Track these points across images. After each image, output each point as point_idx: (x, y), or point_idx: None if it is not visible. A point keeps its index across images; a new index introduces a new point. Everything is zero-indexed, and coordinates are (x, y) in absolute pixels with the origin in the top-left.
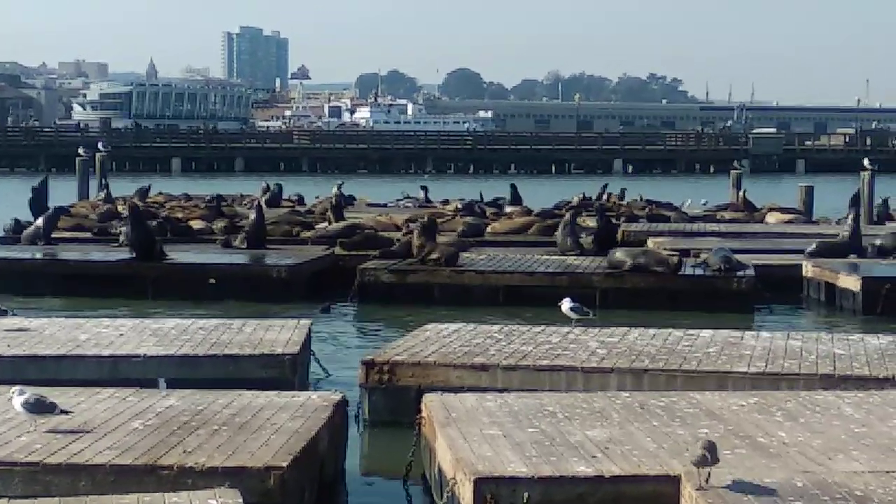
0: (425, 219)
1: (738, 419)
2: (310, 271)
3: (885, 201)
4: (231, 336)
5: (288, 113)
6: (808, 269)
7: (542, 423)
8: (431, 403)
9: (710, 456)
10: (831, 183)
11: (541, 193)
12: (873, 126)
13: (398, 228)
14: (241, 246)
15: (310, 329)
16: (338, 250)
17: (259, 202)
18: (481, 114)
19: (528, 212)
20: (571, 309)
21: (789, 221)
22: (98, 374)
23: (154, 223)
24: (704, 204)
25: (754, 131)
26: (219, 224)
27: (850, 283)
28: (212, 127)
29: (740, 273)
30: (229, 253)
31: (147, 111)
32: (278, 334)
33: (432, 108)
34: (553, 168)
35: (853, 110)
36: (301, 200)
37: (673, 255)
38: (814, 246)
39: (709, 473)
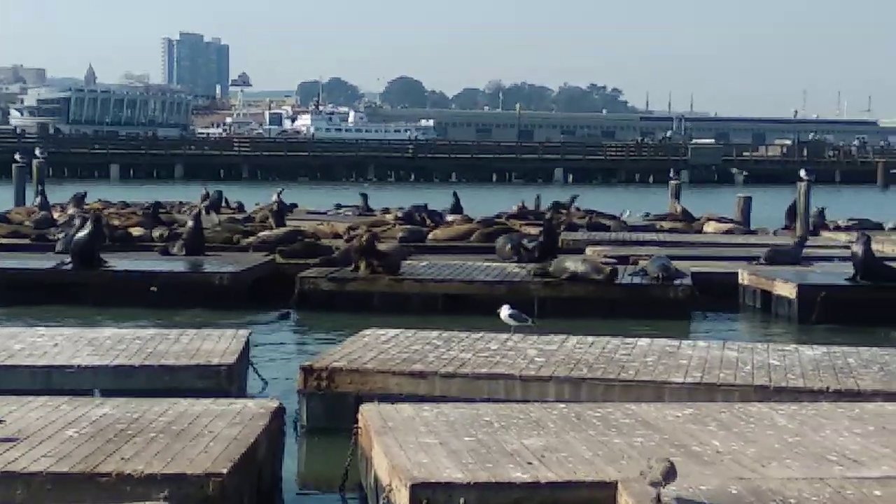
0: (364, 240)
1: (673, 429)
2: (252, 278)
3: (822, 212)
4: (168, 346)
5: (228, 120)
6: (745, 276)
7: (478, 431)
8: (368, 413)
9: (664, 481)
10: (769, 193)
11: (482, 202)
12: (810, 137)
13: (339, 236)
14: (179, 253)
15: (248, 338)
16: (278, 258)
17: (200, 209)
18: (423, 122)
19: (469, 220)
20: (510, 316)
21: (727, 231)
22: (31, 384)
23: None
24: (647, 215)
25: (693, 142)
26: (157, 231)
27: (786, 290)
28: (151, 133)
29: (677, 281)
30: (168, 260)
31: (86, 117)
32: (216, 344)
33: (374, 117)
34: (494, 177)
35: (790, 122)
36: (241, 208)
37: (606, 265)
38: (764, 253)
39: (658, 494)
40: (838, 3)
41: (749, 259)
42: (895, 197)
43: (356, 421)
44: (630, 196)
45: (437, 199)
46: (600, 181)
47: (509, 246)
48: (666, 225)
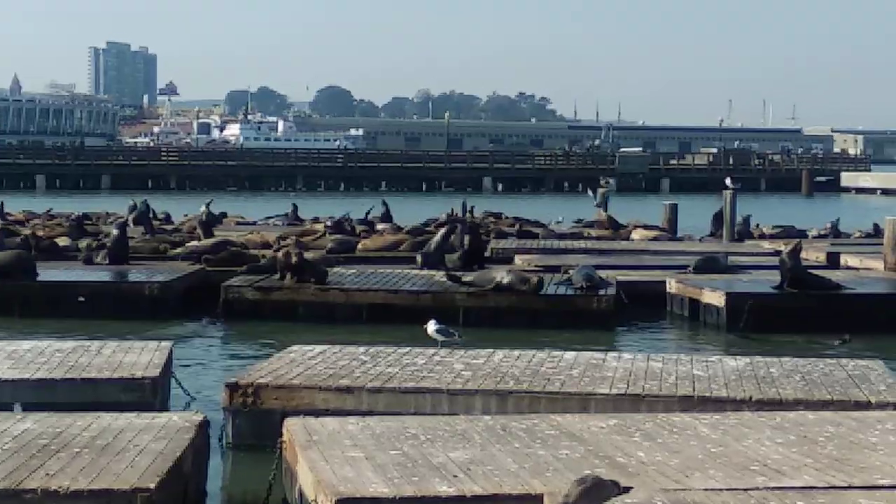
0: (294, 261)
1: (597, 440)
2: (182, 287)
3: (747, 219)
4: (90, 358)
5: (156, 129)
6: (672, 285)
7: (404, 445)
8: (293, 427)
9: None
10: (695, 201)
11: (411, 211)
12: (735, 146)
13: (269, 246)
14: (102, 262)
15: (171, 350)
16: (206, 267)
17: (125, 219)
18: (352, 131)
19: (399, 229)
20: (437, 331)
21: (654, 238)
22: None
23: (17, 240)
24: (579, 222)
25: (621, 150)
26: (83, 242)
27: (715, 298)
28: (77, 143)
29: (602, 291)
30: (93, 269)
31: (10, 127)
32: (138, 356)
33: (303, 126)
34: (423, 186)
35: (716, 130)
36: (168, 218)
37: (533, 276)
38: (693, 262)
39: None
40: (763, 12)
41: (677, 267)
42: (819, 205)
43: (281, 436)
44: (559, 204)
45: (366, 208)
46: (529, 190)
47: (435, 257)
48: (594, 233)
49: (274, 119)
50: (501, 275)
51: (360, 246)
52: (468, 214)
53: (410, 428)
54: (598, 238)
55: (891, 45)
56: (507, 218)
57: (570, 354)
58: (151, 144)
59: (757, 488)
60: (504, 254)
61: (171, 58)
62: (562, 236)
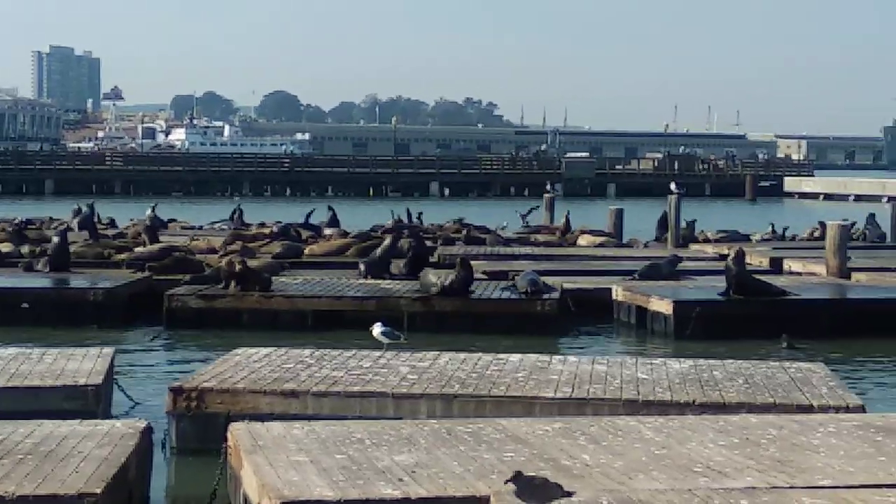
0: (237, 270)
1: (542, 443)
2: (127, 294)
3: (691, 224)
4: (31, 366)
5: (100, 134)
6: (619, 292)
7: (349, 449)
8: (238, 431)
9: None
10: (641, 206)
11: (358, 216)
12: (681, 151)
13: (215, 252)
14: (43, 269)
15: (113, 357)
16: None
17: (67, 225)
18: (298, 136)
19: (346, 234)
20: (382, 333)
21: (601, 244)
22: None
23: None
24: (526, 225)
25: (567, 156)
26: (25, 248)
27: (662, 306)
28: (20, 148)
29: (546, 296)
30: (34, 276)
31: None
32: (80, 363)
33: (249, 131)
34: (370, 191)
35: (662, 135)
36: (113, 224)
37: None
38: (639, 269)
39: None
40: (708, 19)
41: (623, 273)
42: (763, 209)
43: (226, 440)
44: (505, 209)
45: (315, 213)
46: (476, 195)
47: (378, 264)
48: (540, 238)
49: (220, 124)
50: (439, 278)
51: (307, 251)
52: (417, 219)
53: (356, 432)
54: (545, 244)
55: (833, 53)
56: (454, 223)
57: (515, 357)
58: (96, 149)
59: (699, 489)
60: (451, 260)
61: (116, 62)
62: (509, 241)
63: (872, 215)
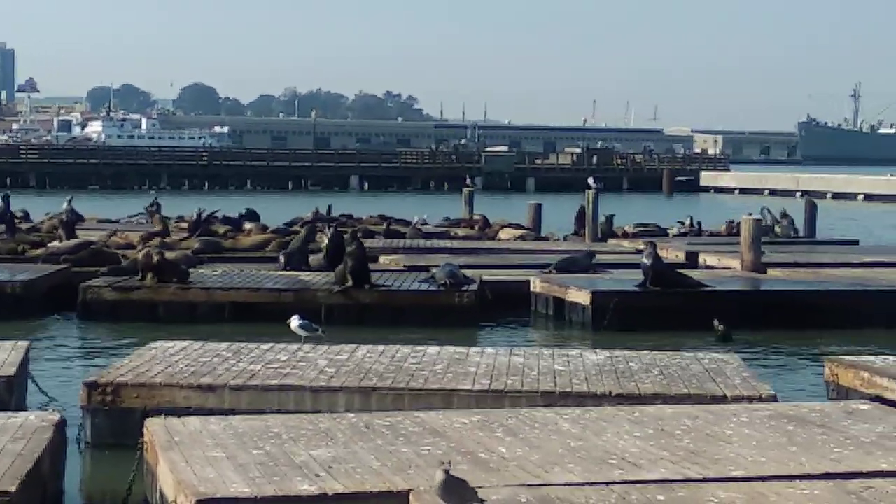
0: (154, 261)
1: (460, 436)
2: (45, 286)
3: (610, 218)
4: None
5: (15, 126)
6: (537, 284)
7: (266, 444)
8: (154, 427)
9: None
10: (560, 200)
11: (277, 210)
12: (599, 145)
13: (132, 246)
14: None
15: (28, 350)
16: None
17: None
18: (217, 129)
19: (265, 228)
20: (300, 326)
21: (521, 237)
22: None
23: None
24: (425, 220)
25: (487, 150)
26: None
27: (580, 297)
28: None
29: (464, 288)
30: None
31: None
32: None
33: (167, 124)
34: (290, 184)
35: (580, 130)
36: (27, 217)
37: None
38: (556, 261)
39: None
40: (625, 15)
41: (541, 266)
42: (680, 204)
43: (142, 436)
44: (425, 203)
45: (232, 206)
46: (396, 188)
47: (297, 257)
48: (460, 232)
49: (137, 116)
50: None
51: (226, 245)
52: (353, 222)
53: (273, 426)
54: (465, 237)
55: (749, 48)
56: (372, 217)
57: (433, 350)
58: (10, 142)
59: (616, 482)
60: (370, 253)
61: (31, 54)
62: (428, 235)
63: (783, 213)
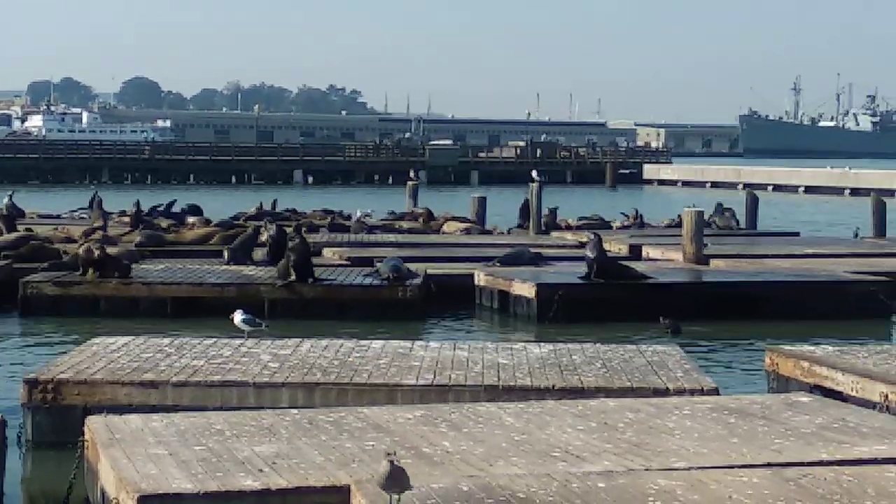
0: (95, 256)
1: (404, 431)
2: None
3: (554, 211)
4: None
5: None
6: (482, 277)
7: (209, 440)
8: (94, 425)
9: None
10: (504, 193)
11: (221, 204)
12: (543, 139)
13: (74, 241)
14: None
15: None
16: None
17: None
18: (160, 123)
19: (208, 222)
20: (243, 321)
21: (465, 230)
22: None
23: None
24: (369, 214)
25: (431, 143)
26: None
27: (525, 290)
28: None
29: (408, 282)
30: None
31: None
32: None
33: (108, 117)
34: (233, 178)
35: (524, 123)
36: None
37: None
38: (500, 255)
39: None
40: (567, 8)
41: (486, 259)
42: (623, 196)
43: (84, 433)
44: (369, 196)
45: (174, 200)
46: (340, 182)
47: (239, 252)
48: (405, 225)
49: (78, 110)
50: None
51: (171, 238)
52: (297, 217)
53: (216, 423)
54: (410, 231)
55: (691, 41)
56: (317, 211)
57: (377, 344)
58: None
59: (558, 473)
60: (315, 247)
61: None
62: (373, 229)
63: (720, 206)
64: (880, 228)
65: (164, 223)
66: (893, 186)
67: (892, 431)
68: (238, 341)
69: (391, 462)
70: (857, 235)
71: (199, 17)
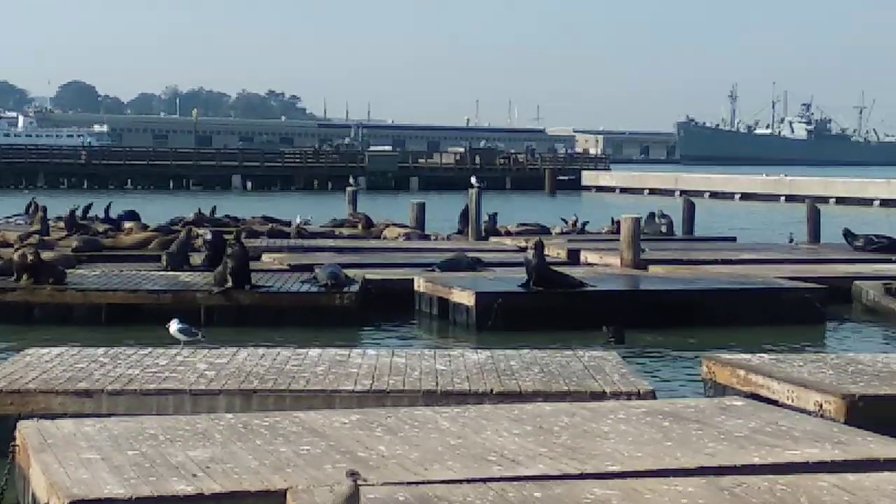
0: (29, 261)
1: (340, 435)
2: None
3: (493, 217)
4: None
5: None
6: (421, 284)
7: (143, 445)
8: (26, 430)
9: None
10: (444, 199)
11: (159, 210)
12: (482, 145)
13: (10, 245)
14: None
15: None
16: None
17: None
18: (97, 128)
19: (146, 227)
20: (179, 330)
21: (406, 236)
22: None
23: None
24: (308, 220)
25: (370, 149)
26: None
27: (464, 298)
28: None
29: (346, 289)
30: None
31: None
32: None
33: (45, 122)
34: (171, 184)
35: (464, 129)
36: None
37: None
38: (442, 260)
39: None
40: (507, 14)
41: (425, 265)
42: (562, 203)
43: (14, 438)
44: (309, 203)
45: (112, 206)
46: (279, 188)
47: (178, 258)
48: (345, 231)
49: (13, 114)
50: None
51: (110, 243)
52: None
53: (149, 428)
54: (350, 237)
55: (629, 51)
56: (256, 218)
57: (315, 351)
58: None
59: (494, 478)
60: (254, 252)
61: None
62: (313, 235)
63: (652, 214)
64: (814, 234)
65: (101, 228)
66: (828, 193)
67: (824, 435)
68: (174, 350)
69: (355, 482)
70: (791, 241)
71: (136, 20)
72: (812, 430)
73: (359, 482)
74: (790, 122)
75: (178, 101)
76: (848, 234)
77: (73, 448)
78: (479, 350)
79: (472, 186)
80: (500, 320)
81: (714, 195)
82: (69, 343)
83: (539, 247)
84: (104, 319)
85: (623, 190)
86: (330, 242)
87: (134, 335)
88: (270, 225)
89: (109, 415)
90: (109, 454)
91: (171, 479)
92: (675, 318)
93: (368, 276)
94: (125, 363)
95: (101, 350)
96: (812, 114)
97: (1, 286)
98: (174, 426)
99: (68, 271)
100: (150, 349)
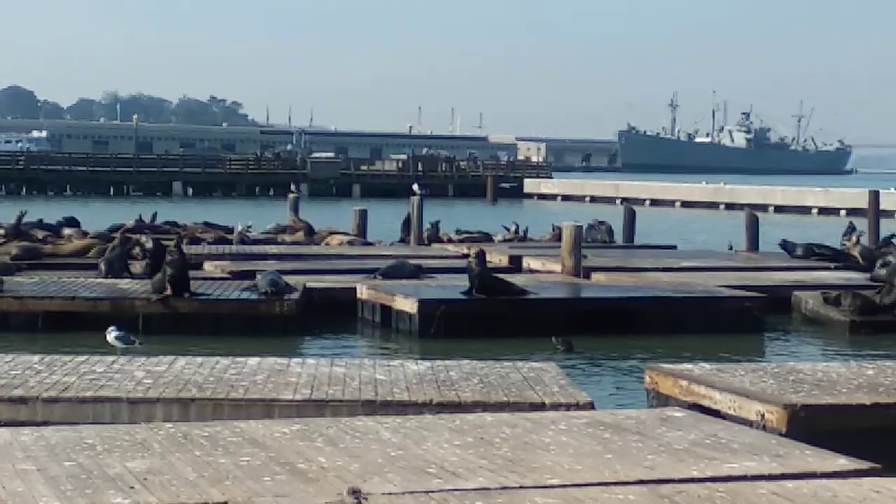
0: None
1: (280, 446)
2: None
3: (436, 224)
4: None
5: None
6: (364, 291)
7: (80, 456)
8: None
9: None
10: (387, 206)
11: (99, 216)
12: (424, 152)
13: None
14: None
15: None
16: None
17: None
18: (35, 133)
19: (85, 234)
20: (117, 338)
21: (350, 243)
22: None
23: None
24: (250, 227)
25: (312, 156)
26: None
27: (407, 305)
28: None
29: (286, 296)
30: None
31: None
32: None
33: None
34: (111, 190)
35: (406, 137)
36: None
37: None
38: (381, 268)
39: None
40: (450, 21)
41: (368, 272)
42: (504, 210)
43: None
44: (251, 210)
45: (51, 212)
46: (220, 194)
47: (117, 264)
48: (288, 238)
49: None
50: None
51: (48, 250)
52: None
53: (87, 437)
54: (293, 243)
55: (570, 56)
56: (197, 224)
57: (254, 360)
58: None
59: (435, 490)
60: (195, 259)
61: None
62: (256, 242)
63: (591, 225)
64: (753, 242)
65: (40, 234)
66: (766, 202)
67: (763, 447)
68: (111, 358)
69: (358, 501)
70: (731, 249)
71: (75, 25)
72: (751, 443)
73: (362, 500)
74: (730, 131)
75: (118, 106)
76: (786, 245)
77: (9, 458)
78: (419, 361)
79: (414, 194)
80: (442, 328)
81: (654, 203)
82: (3, 351)
83: (481, 254)
84: (41, 327)
85: (565, 197)
86: (273, 249)
87: (71, 343)
88: (213, 232)
89: (45, 422)
90: (45, 465)
91: (108, 491)
92: (616, 326)
93: (310, 284)
94: (61, 370)
95: (36, 357)
96: (751, 122)
97: None
98: (113, 436)
99: (6, 279)
100: (86, 357)
